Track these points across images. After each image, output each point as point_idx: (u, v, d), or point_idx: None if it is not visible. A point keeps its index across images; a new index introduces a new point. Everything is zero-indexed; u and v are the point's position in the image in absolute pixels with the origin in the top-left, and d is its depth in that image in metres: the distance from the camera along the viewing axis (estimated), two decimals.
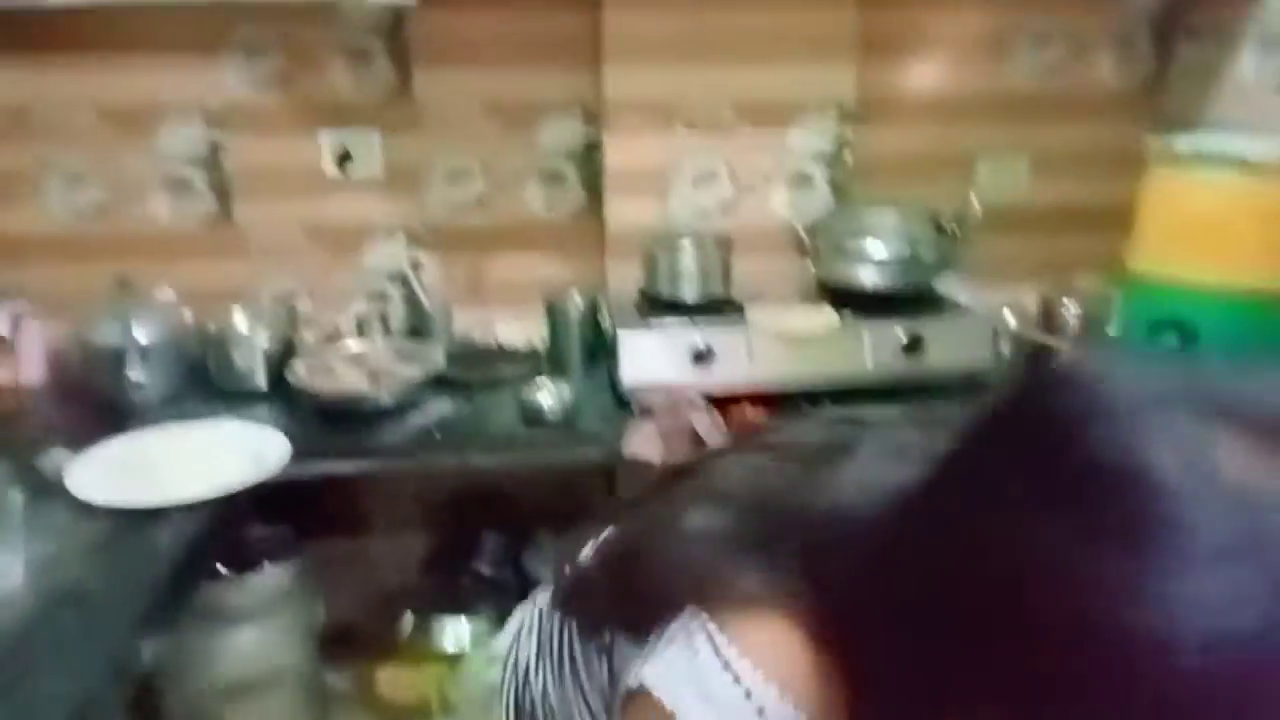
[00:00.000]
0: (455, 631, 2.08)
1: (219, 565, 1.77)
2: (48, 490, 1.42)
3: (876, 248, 1.94)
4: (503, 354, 2.07)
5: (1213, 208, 1.71)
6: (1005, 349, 1.97)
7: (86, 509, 1.38)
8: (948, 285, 2.01)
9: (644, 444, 1.70)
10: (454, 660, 2.06)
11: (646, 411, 1.75)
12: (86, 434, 1.57)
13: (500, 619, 2.15)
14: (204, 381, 1.84)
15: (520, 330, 2.14)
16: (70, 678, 1.02)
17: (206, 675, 1.88)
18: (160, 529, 1.35)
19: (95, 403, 1.73)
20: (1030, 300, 2.10)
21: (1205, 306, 1.88)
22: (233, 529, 1.50)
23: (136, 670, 1.17)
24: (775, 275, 2.11)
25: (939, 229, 1.97)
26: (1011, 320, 2.02)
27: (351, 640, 2.19)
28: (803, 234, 2.08)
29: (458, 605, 2.12)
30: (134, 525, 1.35)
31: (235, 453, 1.52)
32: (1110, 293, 2.06)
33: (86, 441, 1.54)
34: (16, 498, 1.23)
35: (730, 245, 2.00)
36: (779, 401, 1.80)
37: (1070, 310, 2.05)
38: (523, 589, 2.23)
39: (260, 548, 1.88)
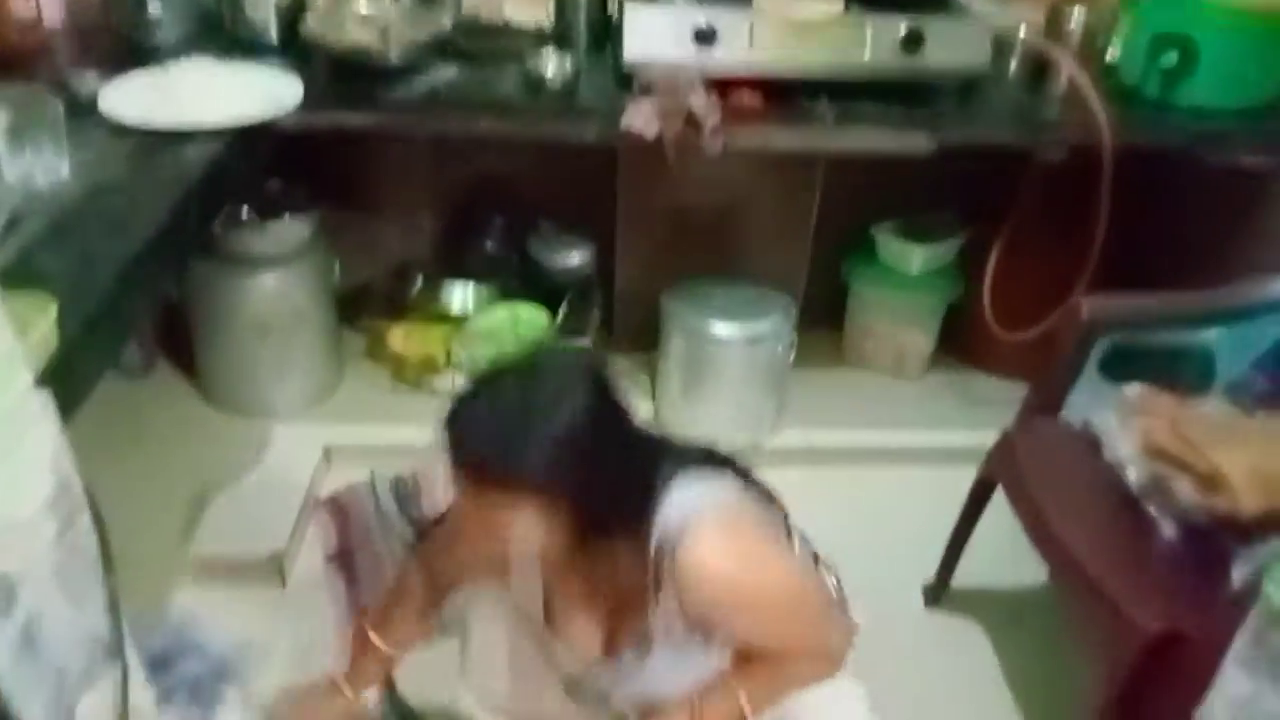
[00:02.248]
0: (462, 295, 2.27)
1: (243, 209, 1.92)
2: (82, 110, 1.53)
3: None
4: (509, 30, 2.10)
5: None
6: (1006, 55, 2.01)
7: (119, 128, 1.50)
8: None
9: (641, 120, 1.78)
10: (459, 321, 2.26)
11: (646, 89, 1.81)
12: (112, 66, 1.66)
13: (502, 290, 2.35)
14: (218, 30, 1.91)
15: (528, 11, 2.16)
16: (121, 242, 1.17)
17: (233, 312, 2.09)
18: (187, 149, 1.48)
19: (115, 40, 1.81)
20: (1038, 10, 2.10)
21: (1208, 22, 1.90)
22: (250, 160, 1.62)
23: (176, 261, 1.33)
24: None
25: None
26: (1021, 28, 2.03)
27: (365, 302, 2.39)
28: None
29: (465, 274, 2.30)
30: (164, 144, 1.48)
31: (253, 90, 1.62)
32: (1116, 6, 2.06)
33: (113, 72, 1.64)
34: (59, 110, 1.34)
35: None
36: (776, 89, 1.86)
37: (1076, 21, 2.06)
38: (524, 269, 2.41)
39: (279, 200, 2.03)
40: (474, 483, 1.03)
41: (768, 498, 1.20)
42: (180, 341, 2.23)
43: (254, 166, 1.71)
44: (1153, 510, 1.53)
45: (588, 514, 1.04)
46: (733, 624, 1.12)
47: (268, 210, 1.98)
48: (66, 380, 0.96)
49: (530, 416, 1.01)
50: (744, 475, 1.19)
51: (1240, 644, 1.21)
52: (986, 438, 2.30)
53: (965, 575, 1.92)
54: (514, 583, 1.24)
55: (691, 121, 1.79)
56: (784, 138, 1.86)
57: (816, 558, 1.33)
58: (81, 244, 1.15)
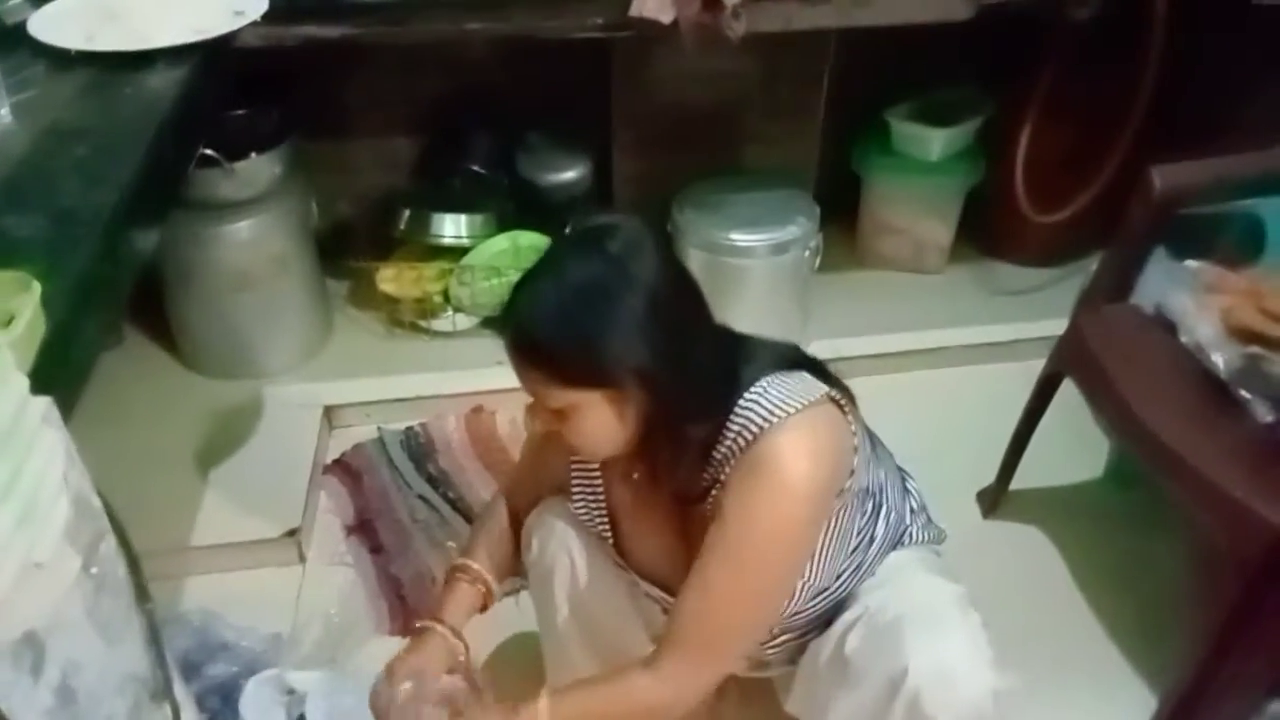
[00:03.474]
0: (454, 226, 2.06)
1: (210, 151, 1.68)
2: (8, 39, 1.28)
3: None
4: None
5: None
6: None
7: (61, 58, 1.26)
8: None
9: (652, 4, 1.58)
10: (454, 254, 2.06)
11: None
12: None
13: (497, 215, 2.14)
14: None
15: None
16: (96, 195, 0.96)
17: (207, 267, 1.87)
18: (149, 76, 1.24)
19: None
20: None
21: None
22: (217, 86, 1.39)
23: (159, 211, 1.13)
24: None
25: None
26: None
27: (348, 242, 2.17)
28: None
29: (454, 203, 2.09)
30: (119, 72, 1.24)
31: (210, 4, 1.38)
32: None
33: None
34: None
35: None
36: None
37: None
38: (516, 188, 2.20)
39: (246, 135, 1.78)
40: (548, 375, 0.94)
41: (849, 399, 1.06)
42: (150, 305, 2.00)
43: (219, 95, 1.48)
44: (1246, 394, 1.42)
45: (667, 400, 0.96)
46: (725, 519, 0.98)
47: (235, 147, 1.73)
48: (62, 374, 0.78)
49: (606, 295, 0.92)
50: (827, 377, 1.05)
51: None
52: (1021, 330, 2.23)
53: (1017, 477, 1.83)
54: (577, 498, 1.17)
55: (709, 3, 1.59)
56: (810, 14, 1.67)
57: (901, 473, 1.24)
58: (49, 202, 0.94)
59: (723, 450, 0.99)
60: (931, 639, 0.98)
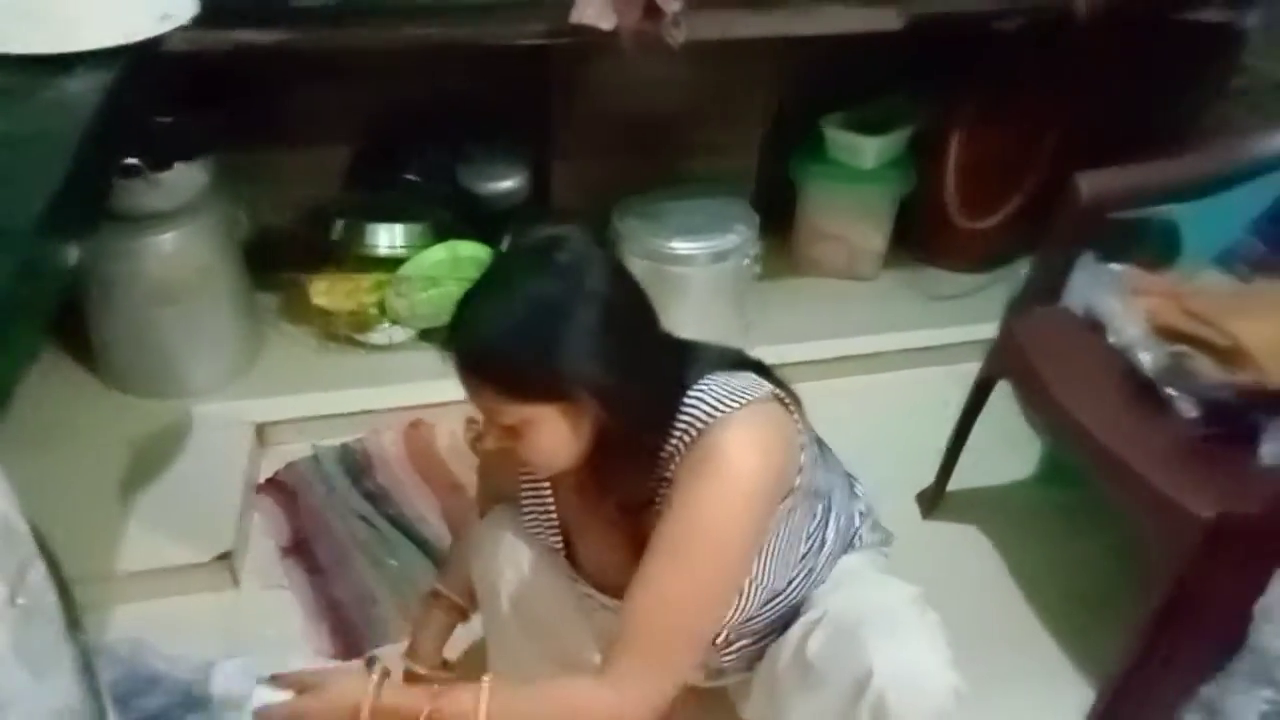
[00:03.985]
0: (389, 236, 2.02)
1: (133, 160, 1.61)
2: None
3: None
4: None
5: None
6: None
7: None
8: None
9: (594, 11, 1.57)
10: (390, 265, 2.02)
11: None
12: None
13: (434, 225, 2.10)
14: None
15: None
16: (15, 207, 0.91)
17: (130, 281, 1.79)
18: (69, 80, 1.18)
19: None
20: None
21: None
22: (142, 92, 1.33)
23: (84, 223, 1.07)
24: None
25: None
26: None
27: (279, 254, 2.10)
28: None
29: (389, 213, 2.05)
30: (37, 76, 1.17)
31: (135, 5, 1.32)
32: None
33: None
34: None
35: None
36: None
37: None
38: (455, 198, 2.17)
39: (173, 143, 1.72)
40: (501, 391, 0.92)
41: (794, 400, 1.06)
42: (69, 321, 1.90)
43: (145, 102, 1.42)
44: (1172, 392, 1.47)
45: (621, 411, 0.95)
46: (670, 514, 0.97)
47: (159, 157, 1.67)
48: None
49: (559, 308, 0.91)
50: (769, 376, 1.05)
51: None
52: (954, 334, 2.27)
53: (954, 478, 1.86)
54: (527, 513, 1.16)
55: (650, 9, 1.59)
56: (749, 23, 1.69)
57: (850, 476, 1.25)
58: None
59: (668, 449, 0.99)
60: (894, 641, 0.98)
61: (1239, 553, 1.27)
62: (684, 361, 1.03)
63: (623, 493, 1.04)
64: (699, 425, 0.96)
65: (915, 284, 2.46)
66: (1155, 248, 1.93)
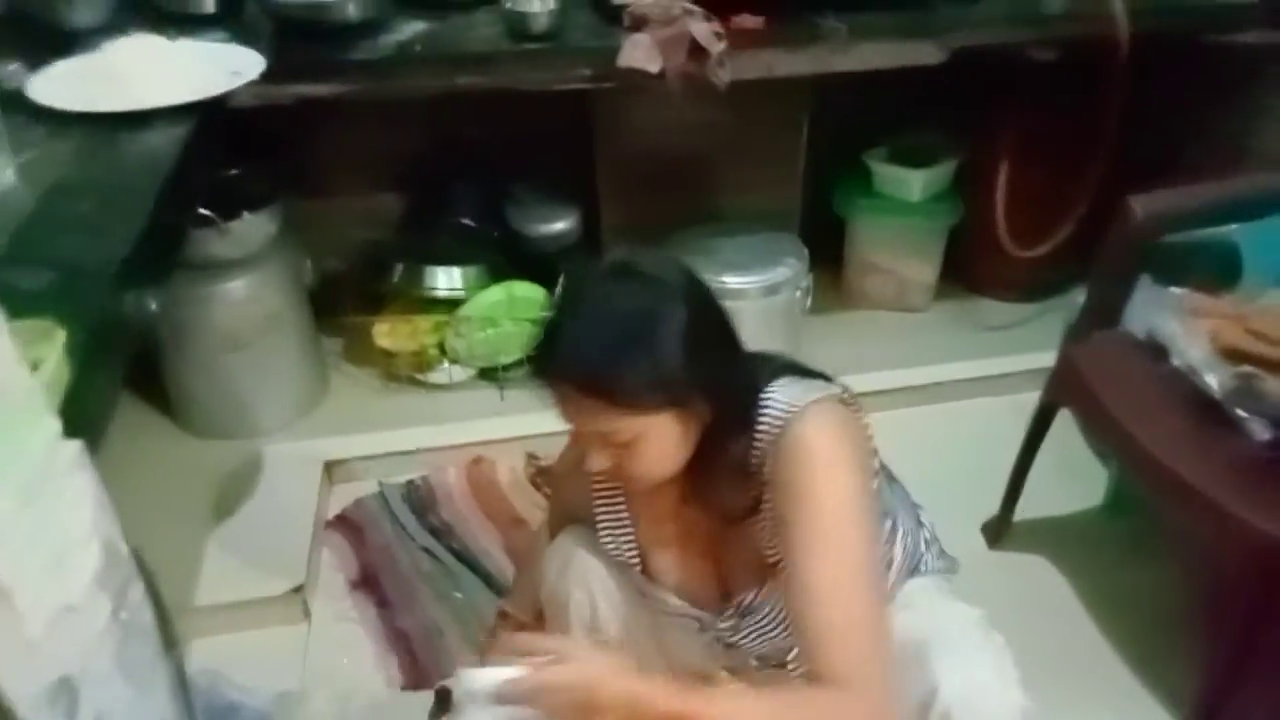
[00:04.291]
0: (446, 278, 2.08)
1: (205, 211, 1.69)
2: (9, 105, 1.29)
3: None
4: None
5: None
6: None
7: (59, 119, 1.27)
8: None
9: (642, 54, 1.62)
10: (447, 307, 2.07)
11: (640, 21, 1.65)
12: (32, 55, 1.42)
13: (489, 267, 2.16)
14: (146, 6, 1.66)
15: None
16: (104, 247, 0.97)
17: (202, 326, 1.86)
18: (148, 135, 1.26)
19: (32, 27, 1.55)
20: None
21: None
22: (213, 145, 1.40)
23: (163, 265, 1.13)
24: None
25: None
26: None
27: (341, 298, 2.17)
28: None
29: (445, 256, 2.10)
30: (118, 132, 1.26)
31: (205, 64, 1.40)
32: None
33: (36, 62, 1.40)
34: None
35: None
36: (776, 6, 1.72)
37: None
38: (506, 240, 2.22)
39: (239, 194, 1.80)
40: (619, 406, 0.93)
41: (856, 403, 1.08)
42: (143, 368, 1.99)
43: (215, 152, 1.49)
44: (1241, 413, 1.45)
45: (727, 409, 0.98)
46: (790, 515, 0.96)
47: (227, 207, 1.74)
48: (85, 419, 0.77)
49: (655, 315, 0.92)
50: (830, 382, 1.09)
51: None
52: (1007, 364, 2.25)
53: (1019, 508, 1.83)
54: (603, 531, 1.17)
55: (695, 51, 1.63)
56: (790, 61, 1.73)
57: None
58: (60, 255, 0.94)
59: (755, 451, 1.00)
60: (960, 660, 0.98)
61: None
62: (755, 365, 1.05)
63: (725, 501, 1.05)
64: (779, 423, 0.98)
65: (966, 315, 2.45)
66: (1216, 271, 1.90)
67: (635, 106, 2.10)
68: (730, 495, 1.04)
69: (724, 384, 0.97)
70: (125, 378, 1.14)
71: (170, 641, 0.81)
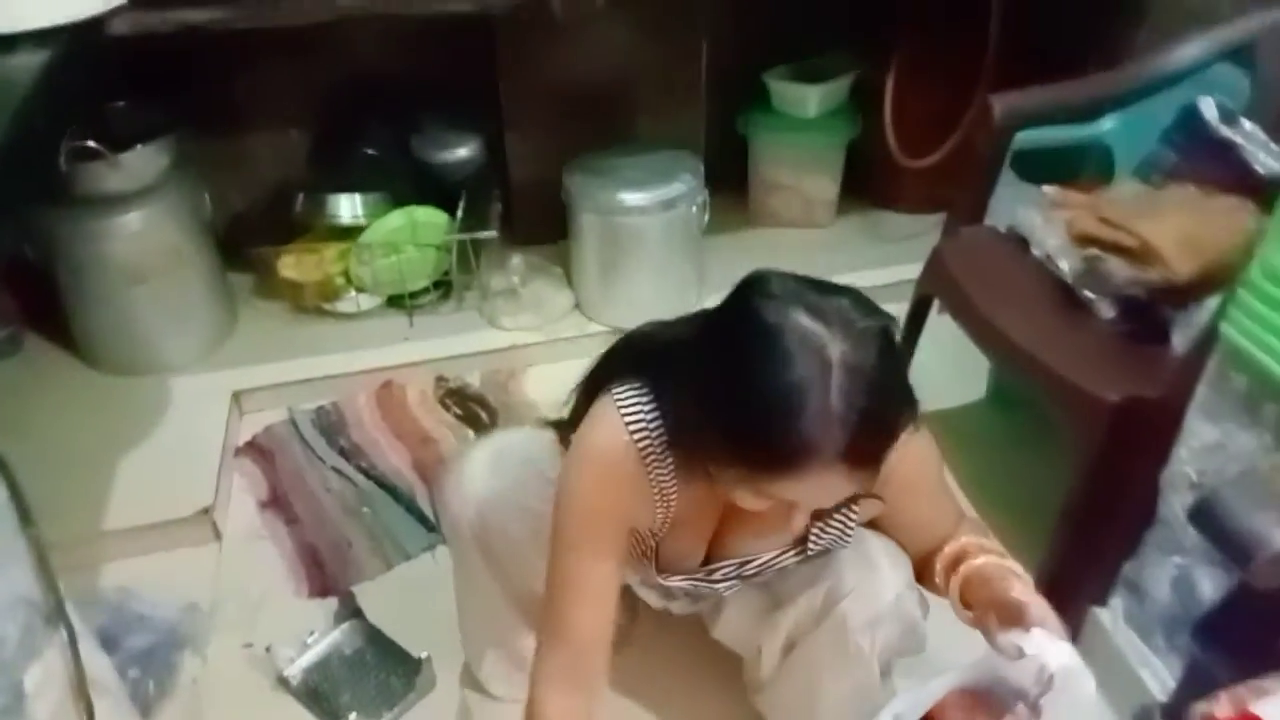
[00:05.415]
0: (350, 207, 2.11)
1: (90, 143, 1.70)
2: None
3: None
4: None
5: None
6: None
7: None
8: None
9: None
10: (354, 234, 2.10)
11: None
12: None
13: (392, 194, 2.19)
14: None
15: None
16: None
17: (100, 262, 1.88)
18: (8, 60, 1.27)
19: None
20: None
21: None
22: (86, 74, 1.41)
23: (22, 204, 1.15)
24: None
25: None
26: None
27: (247, 234, 2.19)
28: None
29: (349, 185, 2.13)
30: None
31: None
32: None
33: None
34: None
35: None
36: None
37: None
38: (411, 171, 2.25)
39: (129, 126, 1.81)
40: (872, 471, 0.87)
41: None
42: (45, 306, 2.01)
43: (90, 83, 1.50)
44: (1089, 294, 1.54)
45: None
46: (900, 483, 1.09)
47: (117, 138, 1.76)
48: None
49: (881, 372, 0.84)
50: None
51: (1201, 393, 1.24)
52: (908, 271, 2.30)
53: None
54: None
55: None
56: None
57: None
58: None
59: None
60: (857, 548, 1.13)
61: (1144, 432, 1.34)
62: None
63: None
64: None
65: (870, 228, 2.52)
66: (1093, 171, 1.99)
67: (536, 35, 2.13)
68: None
69: None
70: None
71: (26, 518, 0.86)
